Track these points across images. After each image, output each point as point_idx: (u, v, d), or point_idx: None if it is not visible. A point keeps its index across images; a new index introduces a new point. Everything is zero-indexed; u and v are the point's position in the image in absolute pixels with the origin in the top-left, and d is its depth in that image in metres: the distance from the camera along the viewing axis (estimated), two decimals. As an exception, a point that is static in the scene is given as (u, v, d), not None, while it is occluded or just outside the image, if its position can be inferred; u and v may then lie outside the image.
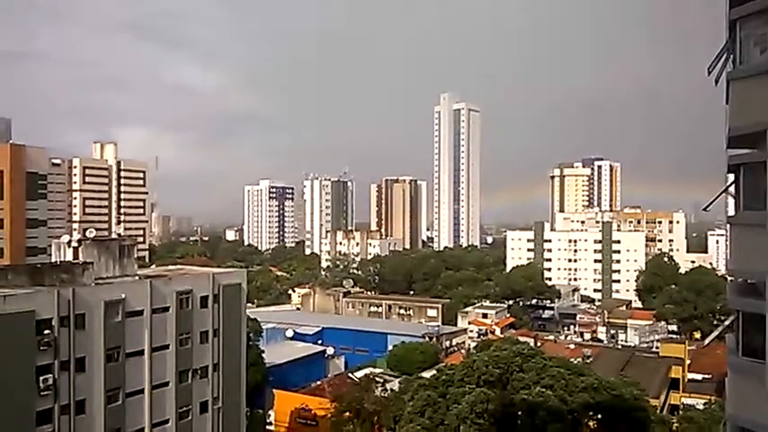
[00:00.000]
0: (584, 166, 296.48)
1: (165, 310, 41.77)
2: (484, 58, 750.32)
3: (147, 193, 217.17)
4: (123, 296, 39.15)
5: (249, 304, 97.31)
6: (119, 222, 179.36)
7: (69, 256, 42.66)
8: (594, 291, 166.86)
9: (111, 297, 38.51)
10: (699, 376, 73.04)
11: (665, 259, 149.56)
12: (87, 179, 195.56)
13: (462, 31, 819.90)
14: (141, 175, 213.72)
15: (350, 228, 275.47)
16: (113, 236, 62.80)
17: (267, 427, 67.77)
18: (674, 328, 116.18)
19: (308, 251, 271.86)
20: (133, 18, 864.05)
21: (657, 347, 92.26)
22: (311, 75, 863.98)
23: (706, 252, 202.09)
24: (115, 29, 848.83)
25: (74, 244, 42.83)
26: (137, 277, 44.17)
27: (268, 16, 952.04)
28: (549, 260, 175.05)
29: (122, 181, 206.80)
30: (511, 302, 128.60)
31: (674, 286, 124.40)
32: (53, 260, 44.91)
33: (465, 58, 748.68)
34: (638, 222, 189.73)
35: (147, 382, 40.60)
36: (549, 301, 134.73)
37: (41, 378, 34.40)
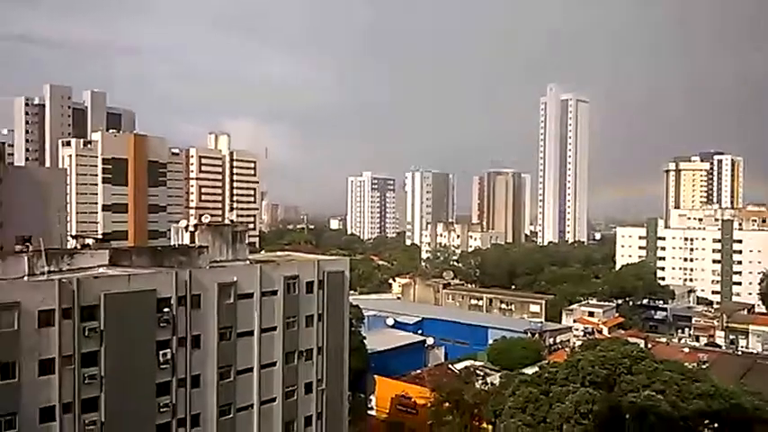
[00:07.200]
0: (702, 161, 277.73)
1: (273, 293, 43.20)
2: (591, 50, 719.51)
3: (257, 182, 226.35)
4: (235, 279, 40.85)
5: (351, 291, 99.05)
6: (231, 209, 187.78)
7: (186, 240, 44.85)
8: (713, 293, 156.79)
9: (224, 280, 40.30)
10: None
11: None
12: (203, 168, 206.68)
13: (568, 24, 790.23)
14: (252, 164, 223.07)
15: (450, 220, 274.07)
16: (227, 222, 65.83)
17: (368, 411, 68.95)
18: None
19: (408, 242, 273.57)
20: (222, 15, 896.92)
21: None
22: (415, 68, 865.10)
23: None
24: (212, 27, 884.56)
25: (191, 229, 44.96)
26: (248, 262, 45.94)
27: (375, 12, 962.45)
28: (663, 259, 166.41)
29: (235, 170, 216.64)
30: (620, 302, 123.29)
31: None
32: (172, 243, 47.60)
33: (571, 50, 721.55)
34: (763, 221, 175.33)
35: (256, 362, 42.24)
36: (661, 302, 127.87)
37: (161, 352, 36.69)
